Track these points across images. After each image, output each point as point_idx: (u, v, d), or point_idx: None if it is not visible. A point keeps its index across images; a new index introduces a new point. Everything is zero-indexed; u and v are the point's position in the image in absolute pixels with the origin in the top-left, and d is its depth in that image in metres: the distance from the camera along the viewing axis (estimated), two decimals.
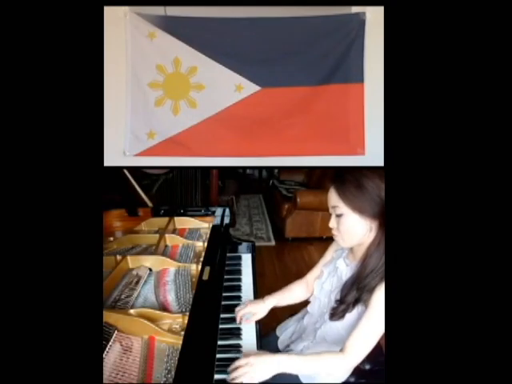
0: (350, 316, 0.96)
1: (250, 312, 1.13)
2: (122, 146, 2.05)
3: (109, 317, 0.95)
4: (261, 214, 4.29)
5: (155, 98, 2.04)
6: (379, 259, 0.93)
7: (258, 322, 1.13)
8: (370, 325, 0.91)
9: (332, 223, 0.99)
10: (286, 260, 3.06)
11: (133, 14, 1.99)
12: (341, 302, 0.97)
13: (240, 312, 1.13)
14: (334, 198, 0.98)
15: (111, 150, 1.95)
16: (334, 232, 1.00)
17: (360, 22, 2.02)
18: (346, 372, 0.99)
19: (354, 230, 0.97)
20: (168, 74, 2.03)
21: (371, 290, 0.92)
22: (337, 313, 0.97)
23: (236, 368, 0.87)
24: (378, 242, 0.95)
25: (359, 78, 2.04)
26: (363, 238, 0.97)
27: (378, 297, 0.90)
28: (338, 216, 0.97)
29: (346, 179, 0.96)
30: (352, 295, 0.95)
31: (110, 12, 1.85)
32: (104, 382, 0.79)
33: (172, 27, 1.99)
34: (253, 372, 0.86)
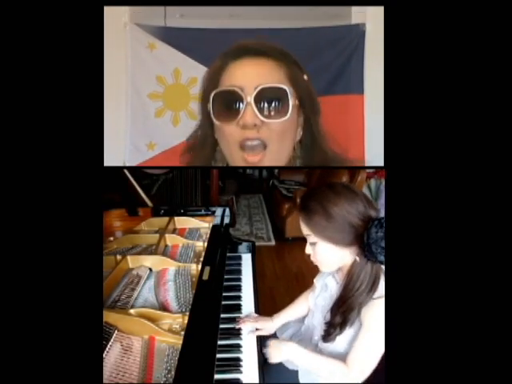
0: (342, 338, 0.94)
1: (257, 327, 1.13)
2: (122, 156, 2.06)
3: (109, 317, 0.95)
4: (261, 214, 4.29)
5: (155, 109, 2.04)
6: (361, 281, 0.89)
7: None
8: (368, 341, 0.90)
9: (307, 250, 0.94)
10: (286, 260, 3.07)
11: (133, 25, 1.99)
12: (330, 324, 0.94)
13: (246, 324, 1.12)
14: (304, 228, 0.92)
15: (111, 160, 1.94)
16: (312, 259, 0.96)
17: (360, 33, 2.02)
18: None
19: (329, 257, 0.93)
20: (168, 85, 2.03)
21: (355, 310, 0.89)
22: (328, 335, 0.95)
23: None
24: (358, 265, 0.90)
25: (359, 90, 2.04)
26: (343, 262, 0.94)
27: (370, 314, 0.89)
28: (312, 244, 0.93)
29: (313, 209, 0.88)
30: (338, 317, 0.93)
31: (109, 23, 1.85)
32: (104, 381, 0.79)
33: (172, 38, 1.99)
34: (270, 353, 0.94)
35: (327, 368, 0.94)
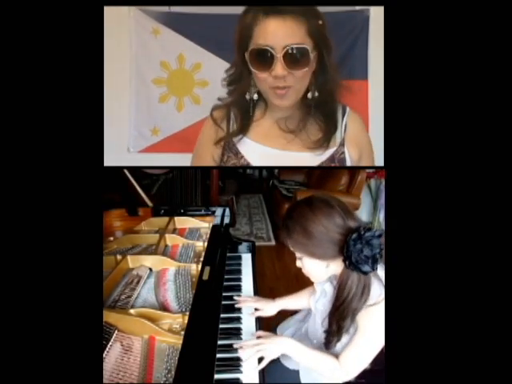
0: (341, 345, 0.96)
1: (256, 307, 1.14)
2: (126, 142, 2.06)
3: (109, 317, 0.95)
4: (261, 214, 4.29)
5: (159, 95, 2.04)
6: (348, 290, 0.89)
7: (259, 321, 1.13)
8: (362, 344, 0.91)
9: (297, 264, 0.97)
10: (286, 260, 3.06)
11: (137, 11, 1.99)
12: (328, 332, 0.96)
13: (246, 303, 1.14)
14: (287, 245, 0.95)
15: (115, 146, 1.95)
16: (303, 271, 0.97)
17: (364, 19, 2.01)
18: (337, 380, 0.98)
19: (316, 271, 0.95)
20: (172, 70, 2.03)
21: (348, 318, 0.90)
22: (328, 343, 0.96)
23: (245, 346, 0.93)
24: (344, 275, 0.90)
25: (363, 75, 2.03)
26: (332, 273, 0.95)
27: (365, 320, 0.89)
28: (299, 259, 0.95)
29: (291, 228, 0.90)
30: (334, 325, 0.93)
31: (113, 8, 1.85)
32: (104, 381, 0.79)
33: (176, 23, 1.99)
34: (264, 350, 0.92)
35: (320, 362, 0.96)
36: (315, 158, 1.03)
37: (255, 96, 1.01)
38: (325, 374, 0.98)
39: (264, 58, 0.90)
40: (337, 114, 1.05)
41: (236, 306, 1.15)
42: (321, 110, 1.01)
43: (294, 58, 0.89)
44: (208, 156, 1.10)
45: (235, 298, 1.19)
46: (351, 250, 0.84)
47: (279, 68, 0.89)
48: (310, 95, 0.99)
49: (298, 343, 0.97)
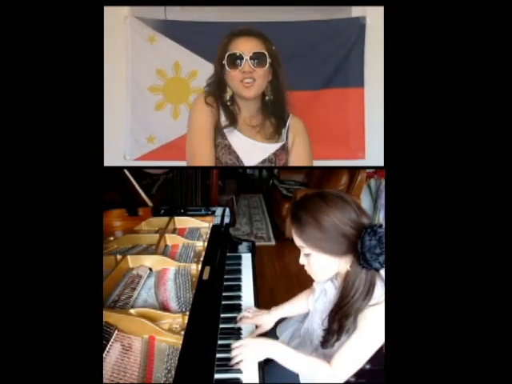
0: (340, 344, 0.94)
1: (255, 324, 1.13)
2: (123, 149, 2.06)
3: (109, 316, 0.95)
4: (261, 214, 4.29)
5: (155, 103, 2.04)
6: (356, 288, 0.89)
7: None
8: (358, 345, 0.90)
9: (302, 260, 0.95)
10: (286, 260, 3.06)
11: (133, 18, 1.99)
12: (327, 331, 0.95)
13: (244, 320, 1.13)
14: (297, 239, 0.93)
15: (111, 153, 1.96)
16: (306, 268, 0.96)
17: (360, 27, 2.02)
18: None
19: (324, 268, 0.94)
20: (168, 78, 2.04)
21: (351, 317, 0.89)
22: (326, 342, 0.95)
23: (233, 346, 0.92)
24: (353, 272, 0.90)
25: (359, 83, 2.05)
26: (338, 271, 0.95)
27: (365, 320, 0.89)
28: (307, 255, 0.93)
29: (305, 221, 0.89)
30: (335, 324, 0.93)
31: (110, 16, 1.86)
32: (104, 381, 0.79)
33: (172, 31, 2.00)
34: (246, 353, 0.91)
35: (309, 366, 0.94)
36: (272, 145, 1.33)
37: (229, 98, 1.32)
38: (316, 379, 0.95)
39: (236, 60, 1.24)
40: (284, 118, 1.37)
41: (236, 326, 1.13)
42: (274, 113, 1.33)
43: (256, 60, 1.24)
44: (204, 136, 1.31)
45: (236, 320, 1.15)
46: (366, 245, 0.84)
47: (247, 66, 1.23)
48: (267, 98, 1.32)
49: (288, 348, 0.95)
